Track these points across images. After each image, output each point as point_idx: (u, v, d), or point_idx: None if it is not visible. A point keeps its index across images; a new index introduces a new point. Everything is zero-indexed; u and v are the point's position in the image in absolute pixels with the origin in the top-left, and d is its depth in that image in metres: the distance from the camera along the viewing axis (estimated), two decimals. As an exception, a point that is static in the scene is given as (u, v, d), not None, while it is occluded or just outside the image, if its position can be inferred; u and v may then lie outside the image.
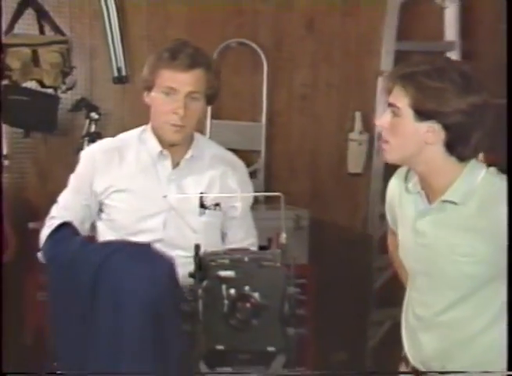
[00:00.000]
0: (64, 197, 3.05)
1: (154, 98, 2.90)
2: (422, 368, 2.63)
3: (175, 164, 2.97)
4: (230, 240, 3.02)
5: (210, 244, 2.72)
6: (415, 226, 2.57)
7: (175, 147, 2.95)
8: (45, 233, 2.93)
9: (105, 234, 2.99)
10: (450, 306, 2.54)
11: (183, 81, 2.83)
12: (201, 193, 2.95)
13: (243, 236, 3.04)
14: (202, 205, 2.94)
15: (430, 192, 2.54)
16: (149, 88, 2.92)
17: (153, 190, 2.93)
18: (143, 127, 3.02)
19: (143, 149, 2.97)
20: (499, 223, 2.40)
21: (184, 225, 2.93)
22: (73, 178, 3.06)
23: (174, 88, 2.84)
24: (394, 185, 2.71)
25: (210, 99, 2.93)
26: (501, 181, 2.49)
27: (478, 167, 2.50)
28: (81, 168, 3.05)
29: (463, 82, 2.41)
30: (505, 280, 2.46)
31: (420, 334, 2.63)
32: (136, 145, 2.98)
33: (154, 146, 2.95)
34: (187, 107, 2.84)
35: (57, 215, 2.99)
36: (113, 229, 2.96)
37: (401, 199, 2.65)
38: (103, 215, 3.00)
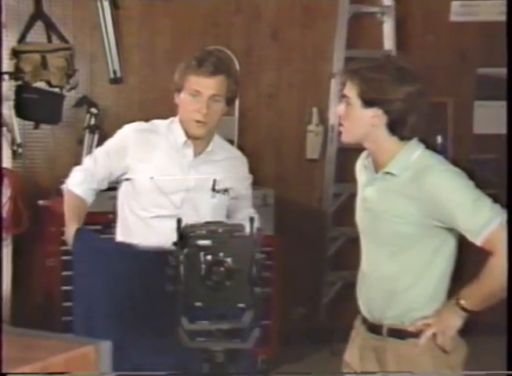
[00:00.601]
0: (97, 154, 3.06)
1: (182, 99, 2.88)
2: (369, 317, 2.62)
3: (197, 154, 2.95)
4: (239, 217, 2.96)
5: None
6: (364, 193, 2.61)
7: (198, 140, 2.94)
8: (74, 176, 3.03)
9: (130, 202, 2.96)
10: (386, 261, 2.56)
11: (207, 85, 2.82)
12: (214, 180, 2.94)
13: (248, 214, 2.97)
14: (214, 189, 2.93)
15: (377, 165, 2.58)
16: (179, 91, 2.90)
17: (175, 172, 2.92)
18: (171, 118, 3.00)
19: (171, 137, 2.95)
20: (426, 191, 2.44)
21: (197, 204, 2.92)
22: (109, 144, 3.06)
23: (199, 91, 2.83)
24: (358, 163, 2.74)
25: (229, 101, 2.93)
26: (432, 158, 2.53)
27: (416, 146, 2.54)
28: (117, 139, 3.03)
29: (399, 75, 2.47)
30: (429, 240, 2.50)
31: (367, 286, 2.64)
32: (166, 132, 2.96)
33: (181, 135, 2.93)
34: (209, 107, 2.83)
35: (87, 165, 3.05)
36: (138, 201, 2.94)
37: (360, 173, 2.69)
38: (129, 187, 2.97)
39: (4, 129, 4.39)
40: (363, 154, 2.71)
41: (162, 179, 2.91)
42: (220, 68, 2.84)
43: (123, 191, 3.02)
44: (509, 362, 2.36)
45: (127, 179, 2.98)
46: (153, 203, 2.91)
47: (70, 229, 2.89)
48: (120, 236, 3.01)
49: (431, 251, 2.51)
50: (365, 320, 2.65)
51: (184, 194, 2.92)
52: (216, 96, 2.84)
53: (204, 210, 2.91)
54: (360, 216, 2.66)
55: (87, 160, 3.07)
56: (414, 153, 2.51)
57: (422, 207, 2.45)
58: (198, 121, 2.86)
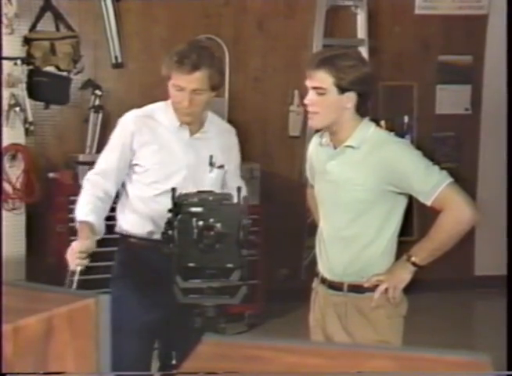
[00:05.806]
0: (104, 156, 2.84)
1: (170, 89, 2.76)
2: (329, 276, 2.62)
3: (192, 133, 2.83)
4: (229, 186, 2.86)
5: None
6: (325, 168, 2.59)
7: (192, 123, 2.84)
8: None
9: (137, 183, 2.82)
10: (347, 225, 2.57)
11: (188, 81, 2.68)
12: (210, 156, 2.83)
13: (237, 184, 2.88)
14: (211, 164, 2.85)
15: (336, 143, 2.57)
16: (168, 79, 2.76)
17: (176, 151, 2.80)
18: (163, 102, 2.86)
19: (166, 120, 2.82)
20: (382, 161, 2.48)
21: (197, 179, 2.79)
22: (116, 137, 2.84)
23: (181, 86, 2.70)
24: (312, 144, 2.73)
25: (215, 89, 2.78)
26: (385, 133, 2.63)
27: (369, 124, 2.58)
28: (120, 129, 2.85)
29: (360, 59, 2.55)
30: (383, 204, 2.52)
31: (328, 248, 2.63)
32: (160, 116, 2.83)
33: (175, 119, 2.81)
34: (192, 100, 2.70)
35: (98, 171, 2.81)
36: (144, 183, 2.79)
37: (317, 152, 2.68)
38: (137, 168, 2.81)
39: (17, 109, 4.36)
40: (316, 136, 2.71)
41: (165, 158, 2.78)
42: (200, 64, 2.68)
43: (134, 174, 2.84)
44: (509, 362, 2.26)
45: (134, 164, 2.82)
46: (159, 181, 2.77)
47: None
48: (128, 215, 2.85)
49: (385, 213, 2.54)
50: (324, 280, 2.64)
51: (185, 171, 2.78)
52: (197, 90, 2.70)
53: (204, 185, 2.76)
54: (322, 188, 2.65)
55: (101, 162, 2.83)
56: (369, 129, 2.55)
57: (380, 174, 2.48)
58: (183, 111, 2.75)
